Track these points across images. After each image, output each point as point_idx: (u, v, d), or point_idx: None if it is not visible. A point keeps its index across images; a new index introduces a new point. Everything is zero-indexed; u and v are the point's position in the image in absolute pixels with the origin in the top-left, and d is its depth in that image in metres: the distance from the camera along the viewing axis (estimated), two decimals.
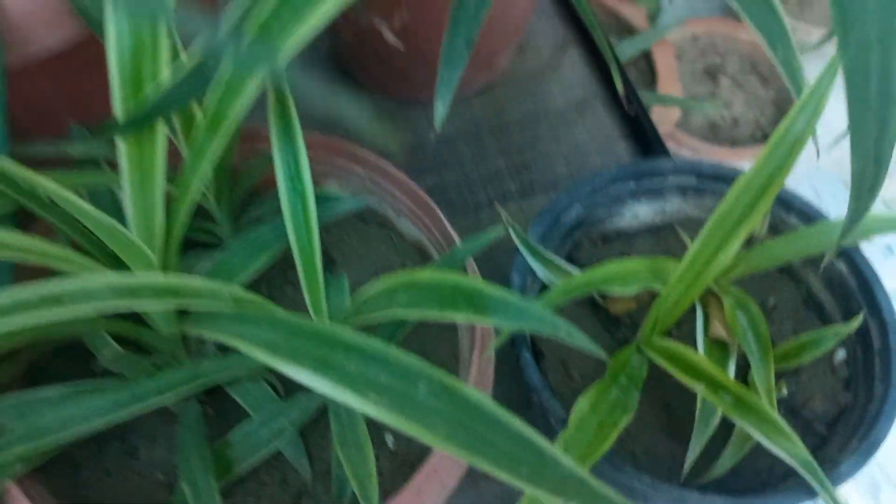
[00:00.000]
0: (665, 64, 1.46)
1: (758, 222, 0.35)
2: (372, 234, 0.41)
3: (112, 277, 0.25)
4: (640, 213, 0.44)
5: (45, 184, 0.25)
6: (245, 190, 0.38)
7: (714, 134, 1.72)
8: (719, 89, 1.42)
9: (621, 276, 0.36)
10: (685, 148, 1.57)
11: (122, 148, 0.29)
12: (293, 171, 0.32)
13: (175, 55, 0.29)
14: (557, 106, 0.62)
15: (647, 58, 1.45)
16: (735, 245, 0.35)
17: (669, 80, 1.45)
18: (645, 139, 0.59)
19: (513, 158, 0.58)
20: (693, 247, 0.35)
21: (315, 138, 0.38)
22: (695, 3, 1.49)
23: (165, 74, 0.28)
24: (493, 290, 0.26)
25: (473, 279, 0.26)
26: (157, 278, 0.26)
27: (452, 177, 0.57)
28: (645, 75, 1.54)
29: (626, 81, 0.66)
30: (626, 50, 1.41)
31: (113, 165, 0.35)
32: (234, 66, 0.27)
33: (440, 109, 0.36)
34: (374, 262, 0.40)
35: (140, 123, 0.28)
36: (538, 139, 0.60)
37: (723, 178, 0.42)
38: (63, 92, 0.39)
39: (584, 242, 0.43)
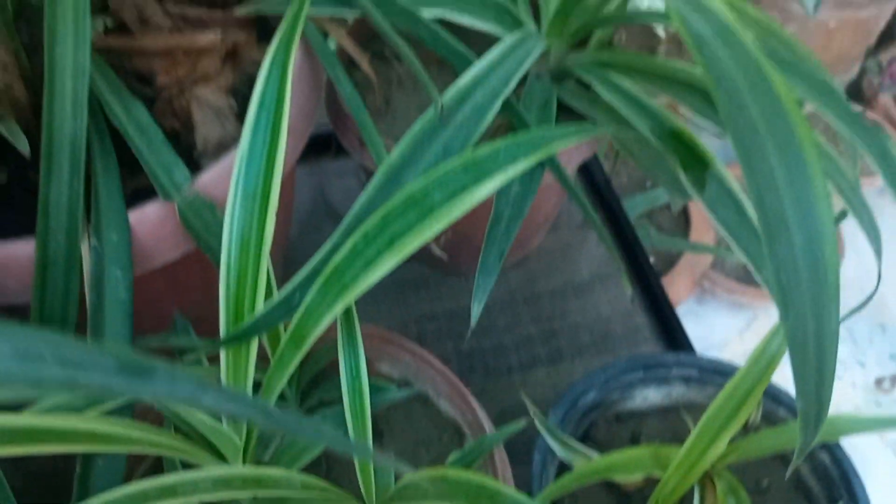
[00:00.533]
0: (699, 211, 1.54)
1: (749, 415, 0.41)
2: (415, 411, 0.48)
3: (212, 471, 0.33)
4: (649, 396, 0.50)
5: None
6: (313, 373, 0.45)
7: (748, 273, 1.77)
8: None
9: (626, 465, 0.42)
10: (719, 288, 1.63)
11: (223, 354, 0.37)
12: (354, 371, 0.39)
13: (269, 291, 0.37)
14: (583, 278, 0.69)
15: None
16: (726, 438, 0.41)
17: (702, 228, 1.52)
18: (662, 313, 0.65)
19: (543, 326, 0.66)
20: (689, 438, 0.41)
21: (372, 331, 0.46)
22: (729, 149, 1.58)
23: (260, 305, 0.36)
24: (511, 493, 0.32)
25: (495, 482, 0.33)
26: (245, 470, 0.34)
27: (488, 342, 0.64)
28: (679, 221, 1.62)
29: (642, 260, 0.73)
30: (661, 196, 1.50)
31: (210, 357, 0.43)
32: (312, 302, 0.35)
33: (476, 309, 0.44)
34: (416, 435, 0.47)
35: (238, 341, 0.36)
36: (566, 309, 0.67)
37: (721, 372, 0.48)
38: (171, 288, 0.47)
39: (599, 422, 0.50)
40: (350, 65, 0.57)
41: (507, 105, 0.44)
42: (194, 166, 0.44)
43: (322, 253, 0.36)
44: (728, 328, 1.68)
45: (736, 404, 0.40)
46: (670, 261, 1.53)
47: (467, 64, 0.46)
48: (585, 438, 0.49)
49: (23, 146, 0.38)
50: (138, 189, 0.42)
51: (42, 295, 0.39)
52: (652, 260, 0.74)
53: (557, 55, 0.53)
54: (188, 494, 0.31)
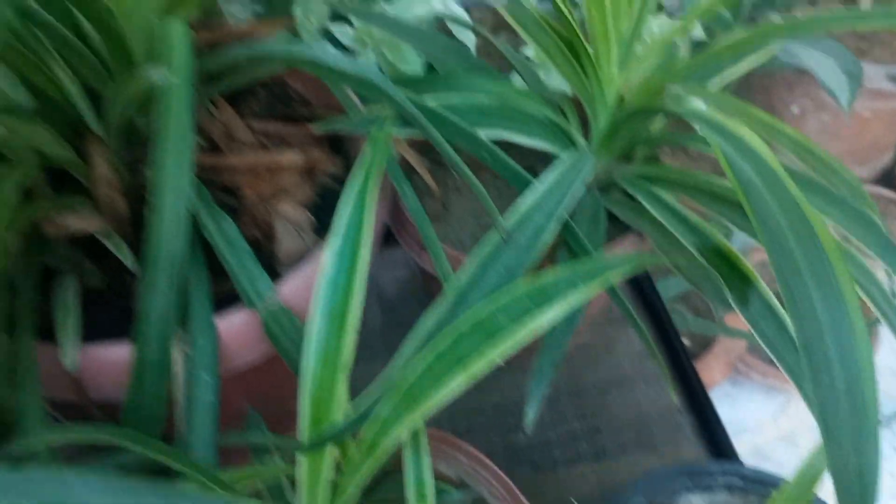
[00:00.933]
0: None
1: None
2: None
3: None
4: (693, 501, 0.52)
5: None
6: (377, 471, 0.48)
7: None
8: None
9: None
10: (754, 371, 1.64)
11: (303, 457, 0.40)
12: (419, 478, 0.42)
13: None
14: (626, 373, 0.72)
15: None
16: None
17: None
18: (703, 414, 0.68)
19: (586, 422, 0.68)
20: None
21: (431, 432, 0.49)
22: None
23: (337, 413, 0.40)
24: None
25: None
26: None
27: (534, 437, 0.67)
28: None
29: (683, 358, 0.75)
30: None
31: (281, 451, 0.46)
32: (388, 416, 0.38)
33: (530, 415, 0.47)
34: None
35: (316, 447, 0.39)
36: (609, 404, 0.69)
37: (763, 482, 0.50)
38: (241, 386, 0.51)
39: None
40: (409, 171, 0.62)
41: (570, 240, 0.48)
42: (274, 274, 0.48)
43: (394, 368, 0.39)
44: (762, 411, 1.68)
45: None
46: (705, 343, 1.54)
47: (524, 183, 0.50)
48: None
49: (128, 260, 0.42)
50: (222, 293, 0.46)
51: (136, 396, 0.42)
52: (687, 343, 0.76)
53: (605, 168, 0.56)
54: None
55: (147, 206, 0.43)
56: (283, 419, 0.51)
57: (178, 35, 0.42)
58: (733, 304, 0.48)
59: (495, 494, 0.49)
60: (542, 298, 0.39)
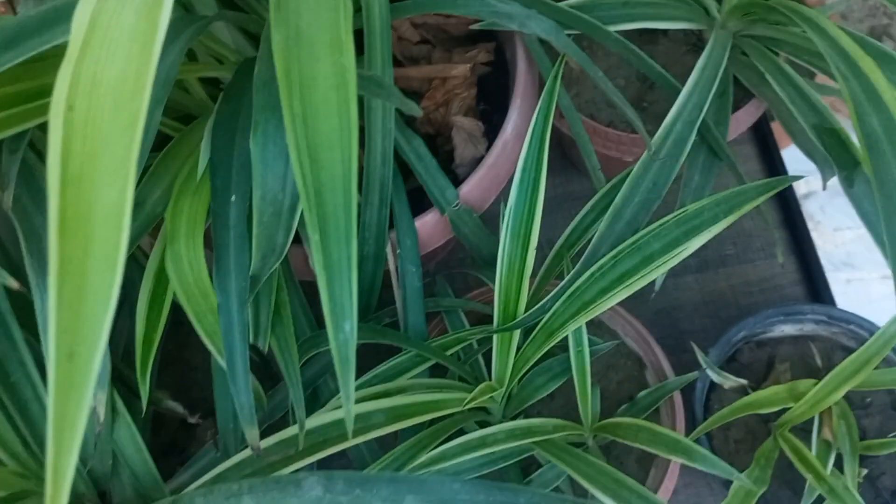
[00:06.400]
0: None
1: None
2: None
3: (505, 426, 0.51)
4: (785, 329, 0.65)
5: None
6: None
7: None
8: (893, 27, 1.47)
9: (768, 401, 0.58)
10: (841, 115, 1.67)
11: (496, 337, 0.54)
12: (578, 339, 0.55)
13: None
14: None
15: None
16: (849, 386, 0.56)
17: None
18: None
19: None
20: (821, 383, 0.56)
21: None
22: None
23: (521, 308, 0.52)
24: (698, 448, 0.49)
25: (687, 441, 0.50)
26: (521, 423, 0.52)
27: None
28: None
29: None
30: None
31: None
32: (558, 311, 0.51)
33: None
34: (608, 360, 0.64)
35: (509, 329, 0.53)
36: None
37: (846, 320, 0.63)
38: (434, 258, 0.63)
39: (743, 348, 0.66)
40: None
41: (702, 130, 0.56)
42: (451, 174, 0.58)
43: (566, 279, 0.51)
44: None
45: (864, 361, 0.55)
46: None
47: (663, 79, 0.57)
48: (732, 360, 0.66)
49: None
50: (411, 189, 0.57)
51: (359, 276, 0.56)
52: None
53: (733, 35, 0.61)
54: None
55: None
56: (458, 283, 0.65)
57: None
58: (840, 182, 0.56)
59: (628, 334, 0.63)
60: (688, 227, 0.49)
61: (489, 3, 0.48)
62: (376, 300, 0.58)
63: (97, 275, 0.19)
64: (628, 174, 0.54)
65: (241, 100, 0.43)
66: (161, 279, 0.43)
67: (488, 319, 0.55)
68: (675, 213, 0.49)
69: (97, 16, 0.23)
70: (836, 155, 0.56)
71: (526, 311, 0.53)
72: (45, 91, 0.37)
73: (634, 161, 0.53)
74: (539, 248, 0.53)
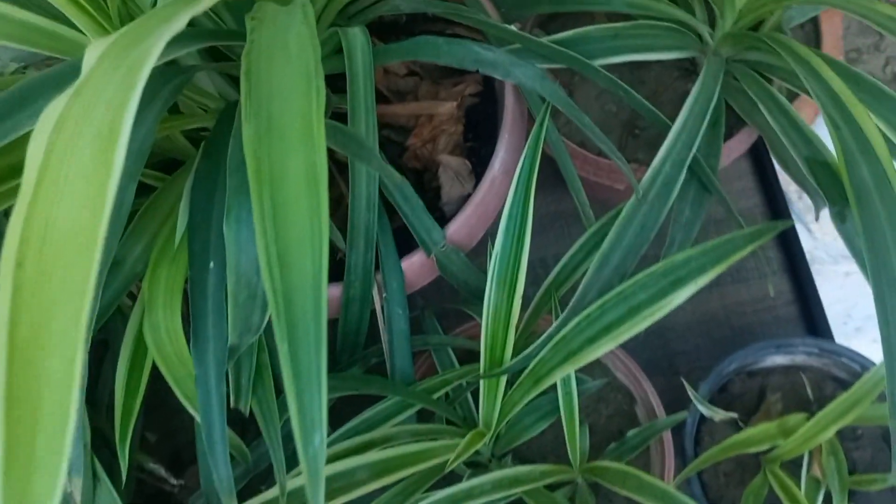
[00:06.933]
0: (830, 31, 1.52)
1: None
2: (597, 376, 0.64)
3: (493, 475, 0.51)
4: (776, 360, 0.65)
5: None
6: None
7: None
8: (884, 42, 1.48)
9: (758, 439, 0.58)
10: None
11: (483, 382, 0.53)
12: (567, 383, 0.55)
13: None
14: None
15: (814, 22, 1.52)
16: (841, 424, 0.56)
17: (833, 48, 1.51)
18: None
19: None
20: (811, 422, 0.56)
21: None
22: None
23: (508, 355, 0.52)
24: (686, 501, 0.49)
25: (674, 493, 0.50)
26: (508, 472, 0.52)
27: None
28: (809, 37, 1.59)
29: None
30: (797, 16, 1.48)
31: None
32: (545, 358, 0.50)
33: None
34: (597, 394, 0.63)
35: (496, 376, 0.52)
36: None
37: (837, 353, 0.62)
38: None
39: (735, 378, 0.65)
40: None
41: (692, 165, 0.55)
42: (439, 211, 0.57)
43: (553, 327, 0.50)
44: None
45: (856, 401, 0.55)
46: None
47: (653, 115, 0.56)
48: (723, 390, 0.65)
49: (340, 243, 0.53)
50: (396, 227, 0.56)
51: (345, 318, 0.55)
52: None
53: (726, 62, 0.61)
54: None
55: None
56: (447, 316, 0.65)
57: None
58: (831, 217, 0.55)
59: (618, 368, 0.62)
60: (675, 277, 0.48)
61: (473, 51, 0.47)
62: (363, 340, 0.57)
63: (45, 453, 0.19)
64: (618, 213, 0.53)
65: (221, 156, 0.42)
66: (140, 343, 0.43)
67: (478, 355, 0.55)
68: (662, 263, 0.49)
69: (52, 149, 0.23)
70: (827, 190, 0.56)
71: (513, 355, 0.53)
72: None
73: (625, 189, 0.53)
74: (530, 266, 0.53)
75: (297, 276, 0.29)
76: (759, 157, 0.83)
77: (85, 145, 0.23)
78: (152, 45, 0.26)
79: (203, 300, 0.39)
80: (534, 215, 0.53)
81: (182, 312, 0.42)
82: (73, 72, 0.33)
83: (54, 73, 0.35)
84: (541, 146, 0.51)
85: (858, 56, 1.38)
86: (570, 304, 0.51)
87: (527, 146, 0.51)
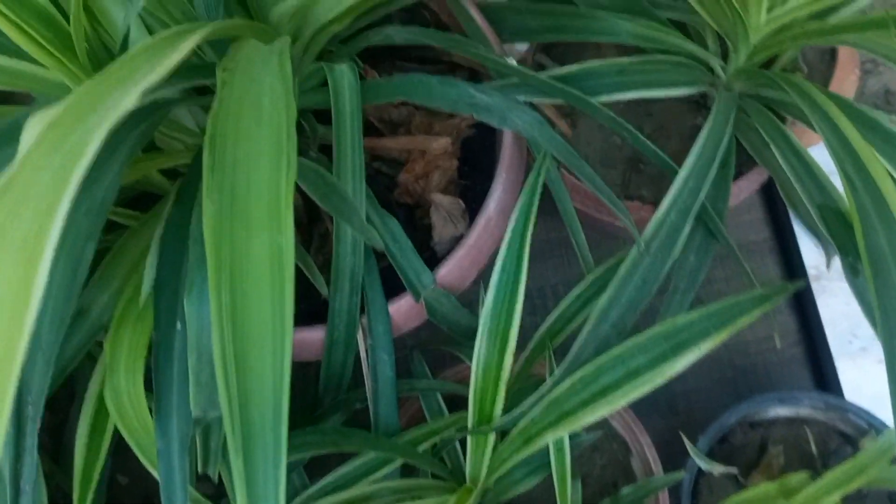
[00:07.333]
0: (846, 57, 1.48)
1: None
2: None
3: None
4: (779, 412, 0.62)
5: None
6: None
7: (888, 102, 1.74)
8: None
9: (756, 501, 0.55)
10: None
11: (470, 437, 0.50)
12: (559, 444, 0.52)
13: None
14: None
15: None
16: (846, 490, 0.53)
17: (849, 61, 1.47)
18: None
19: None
20: (812, 488, 0.53)
21: None
22: None
23: (498, 410, 0.49)
24: None
25: None
26: None
27: None
28: (824, 50, 1.56)
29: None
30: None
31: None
32: (537, 418, 0.48)
33: None
34: (591, 444, 0.61)
35: (483, 432, 0.50)
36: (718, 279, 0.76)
37: (844, 409, 0.59)
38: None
39: (736, 429, 0.62)
40: None
41: (700, 212, 0.52)
42: (429, 251, 0.55)
43: (547, 386, 0.48)
44: None
45: (864, 466, 0.52)
46: None
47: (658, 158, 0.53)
48: (724, 441, 0.63)
49: (323, 289, 0.50)
50: (382, 267, 0.54)
51: (328, 361, 0.53)
52: None
53: (738, 98, 0.57)
54: None
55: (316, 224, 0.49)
56: (436, 356, 0.62)
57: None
58: (843, 268, 0.52)
59: (613, 416, 0.60)
60: (677, 342, 0.45)
61: (468, 93, 0.45)
62: (347, 383, 0.54)
63: None
64: (618, 262, 0.50)
65: (194, 199, 0.40)
66: (103, 404, 0.40)
67: (467, 399, 0.52)
68: (663, 325, 0.46)
69: None
70: (840, 241, 0.53)
71: (505, 404, 0.50)
72: None
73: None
74: (527, 295, 0.50)
75: (256, 376, 0.26)
76: (769, 187, 0.80)
77: (6, 259, 0.20)
78: (97, 124, 0.24)
79: (168, 366, 0.37)
80: (532, 242, 0.51)
81: (145, 372, 0.39)
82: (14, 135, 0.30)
83: None
84: (537, 198, 0.48)
85: (875, 67, 1.35)
86: (565, 361, 0.48)
87: (521, 199, 0.48)
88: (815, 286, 0.77)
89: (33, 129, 0.24)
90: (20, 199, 0.21)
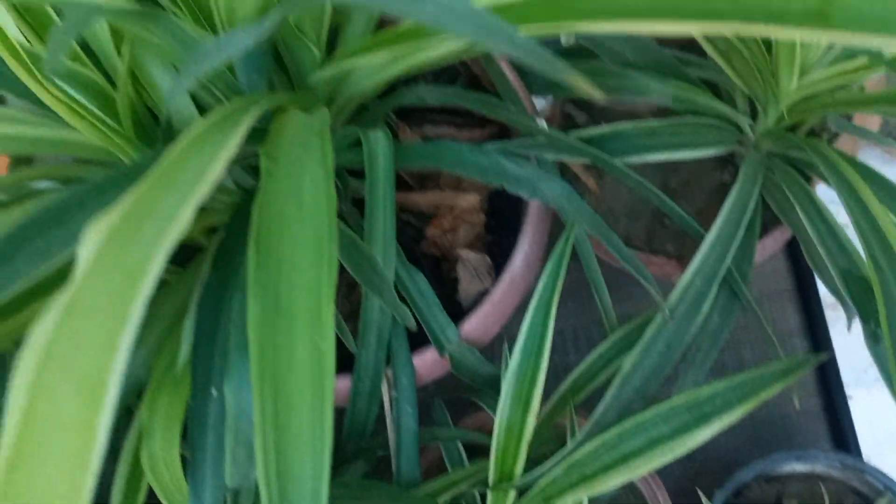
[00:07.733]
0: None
1: None
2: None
3: None
4: (796, 468, 0.62)
5: None
6: None
7: None
8: None
9: None
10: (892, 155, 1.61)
11: (490, 492, 0.51)
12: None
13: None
14: None
15: None
16: None
17: (871, 115, 1.47)
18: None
19: None
20: None
21: None
22: None
23: (519, 468, 0.50)
24: None
25: None
26: None
27: None
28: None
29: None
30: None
31: None
32: (556, 480, 0.48)
33: None
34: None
35: (504, 489, 0.50)
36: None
37: (860, 469, 0.60)
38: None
39: (752, 483, 0.63)
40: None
41: (726, 276, 0.52)
42: (454, 304, 0.55)
43: (568, 448, 0.48)
44: None
45: None
46: None
47: (685, 221, 0.53)
48: (739, 494, 0.63)
49: (351, 344, 0.51)
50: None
51: (353, 410, 0.54)
52: None
53: (766, 158, 0.58)
54: None
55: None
56: (459, 407, 0.63)
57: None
58: (864, 335, 0.53)
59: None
60: (700, 413, 0.46)
61: (498, 163, 0.45)
62: (371, 431, 0.56)
63: None
64: (642, 324, 0.51)
65: (231, 269, 0.41)
66: (137, 461, 0.41)
67: (488, 448, 0.53)
68: (685, 395, 0.46)
69: (35, 397, 0.21)
70: (862, 307, 0.53)
71: (525, 462, 0.51)
72: None
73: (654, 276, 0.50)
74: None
75: (294, 485, 0.27)
76: (796, 255, 0.81)
77: (69, 398, 0.21)
78: (155, 240, 0.25)
79: (203, 434, 0.38)
80: None
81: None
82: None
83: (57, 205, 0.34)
84: (564, 269, 0.49)
85: None
86: (588, 424, 0.49)
87: (547, 267, 0.49)
88: (830, 315, 0.77)
89: (91, 244, 0.25)
90: (80, 328, 0.22)
